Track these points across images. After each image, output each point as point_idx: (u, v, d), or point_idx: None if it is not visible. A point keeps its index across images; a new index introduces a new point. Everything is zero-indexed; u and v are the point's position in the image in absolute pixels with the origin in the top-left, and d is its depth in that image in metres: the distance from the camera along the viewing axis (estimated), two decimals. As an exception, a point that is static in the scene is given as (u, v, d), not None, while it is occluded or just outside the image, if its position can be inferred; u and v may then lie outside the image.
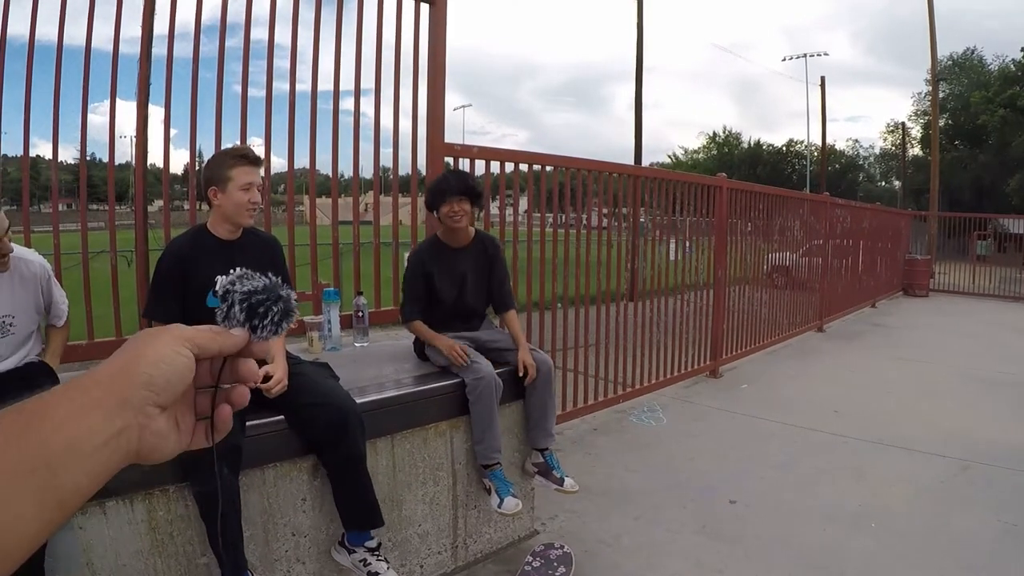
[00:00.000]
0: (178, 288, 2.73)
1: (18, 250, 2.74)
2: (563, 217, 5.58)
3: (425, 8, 4.47)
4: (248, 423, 2.56)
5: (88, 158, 3.60)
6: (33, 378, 2.72)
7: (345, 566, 2.82)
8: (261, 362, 2.62)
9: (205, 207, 3.35)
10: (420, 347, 3.61)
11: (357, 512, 2.73)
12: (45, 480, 0.50)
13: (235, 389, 0.68)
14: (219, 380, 0.66)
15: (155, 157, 3.70)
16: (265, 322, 0.67)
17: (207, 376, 0.65)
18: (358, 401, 2.84)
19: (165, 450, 0.60)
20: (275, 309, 0.68)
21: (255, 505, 2.64)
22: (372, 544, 2.76)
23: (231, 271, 0.70)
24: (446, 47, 4.53)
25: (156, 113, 3.62)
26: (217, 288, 0.69)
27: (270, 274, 0.71)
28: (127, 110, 3.81)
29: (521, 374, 3.44)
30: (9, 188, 4.10)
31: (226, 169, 2.77)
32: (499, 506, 3.27)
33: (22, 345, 2.76)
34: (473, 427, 3.31)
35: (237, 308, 0.67)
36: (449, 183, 3.46)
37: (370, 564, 2.73)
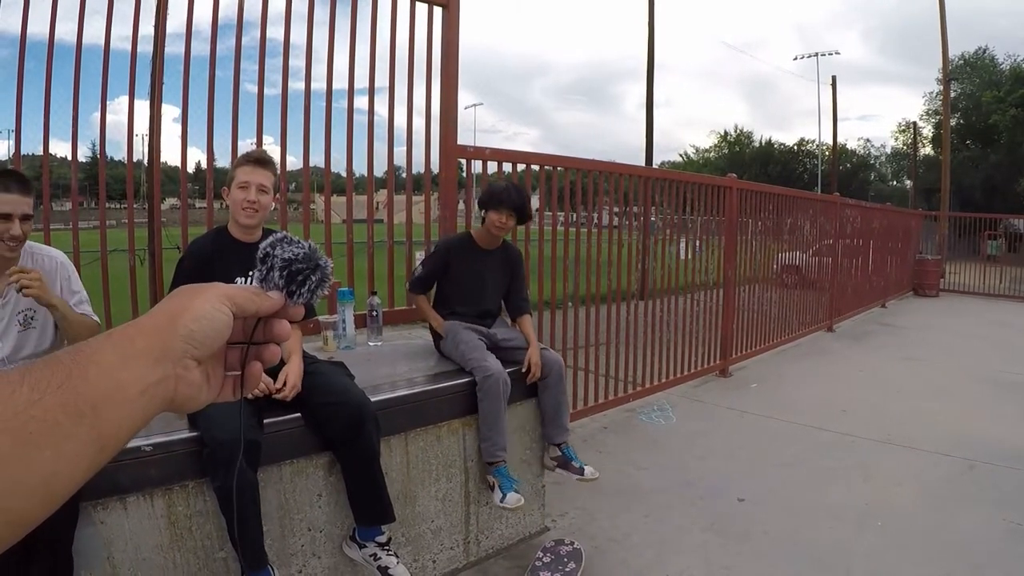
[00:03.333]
0: None
1: (37, 245, 2.75)
2: (574, 217, 5.61)
3: (438, 11, 4.49)
4: (265, 420, 2.60)
5: (100, 157, 3.64)
6: None
7: (356, 560, 2.86)
8: (277, 367, 2.66)
9: (219, 207, 3.41)
10: (437, 340, 3.68)
11: (370, 508, 2.77)
12: (91, 422, 0.52)
13: (267, 348, 0.70)
14: (252, 337, 0.69)
15: (171, 156, 3.74)
16: (303, 289, 0.69)
17: (240, 333, 0.67)
18: (372, 399, 2.88)
19: (198, 400, 0.63)
20: (313, 278, 0.70)
21: (272, 500, 2.68)
22: (382, 539, 2.79)
23: (273, 234, 0.72)
24: (459, 50, 4.56)
25: (172, 112, 3.67)
26: (259, 251, 0.71)
27: (311, 242, 0.72)
28: (143, 109, 3.86)
29: (524, 370, 3.49)
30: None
31: (233, 169, 2.88)
32: (501, 500, 3.31)
33: (44, 343, 2.73)
34: (480, 424, 3.35)
35: (276, 273, 0.69)
36: (510, 197, 3.58)
37: (380, 559, 2.76)
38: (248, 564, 2.45)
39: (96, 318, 2.83)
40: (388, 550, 2.79)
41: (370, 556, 2.78)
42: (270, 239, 0.71)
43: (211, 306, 0.62)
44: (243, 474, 2.40)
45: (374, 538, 2.79)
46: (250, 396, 0.70)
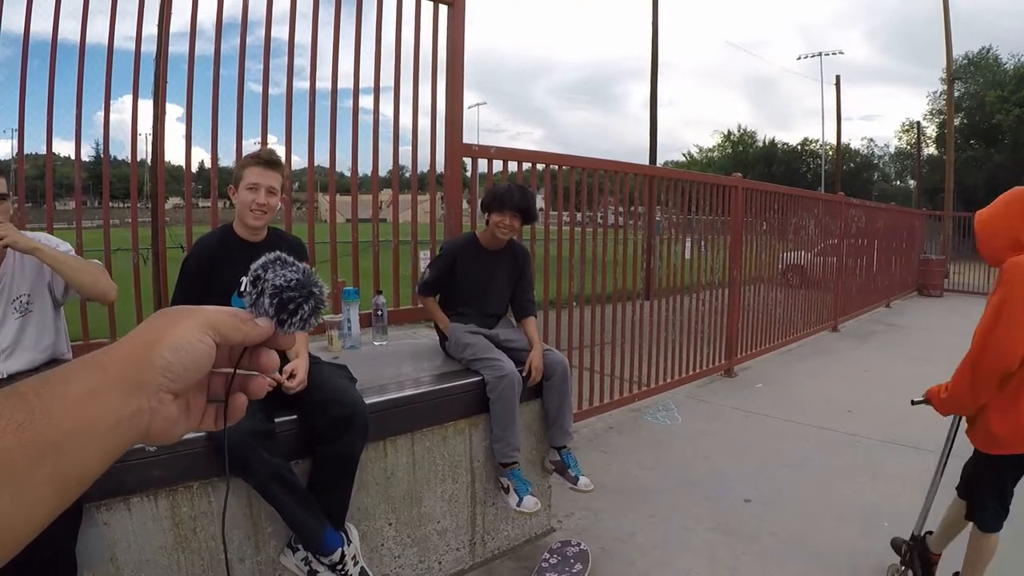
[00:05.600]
0: (204, 288, 2.75)
1: (32, 235, 2.69)
2: (579, 216, 5.59)
3: (444, 9, 4.48)
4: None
5: (103, 156, 3.63)
6: None
7: (289, 569, 2.68)
8: (284, 357, 2.63)
9: (223, 206, 3.38)
10: (443, 341, 3.66)
11: (330, 508, 2.66)
12: (53, 463, 0.48)
13: (253, 379, 0.66)
14: (237, 364, 0.64)
15: (175, 156, 3.73)
16: (294, 319, 0.64)
17: (225, 359, 0.63)
18: (378, 399, 2.86)
19: (173, 434, 0.59)
20: (305, 308, 0.65)
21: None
22: (335, 558, 2.59)
23: (266, 255, 0.67)
24: (464, 48, 4.54)
25: (176, 111, 3.65)
26: (248, 272, 0.66)
27: (305, 266, 0.67)
28: (146, 108, 3.85)
29: (525, 374, 3.46)
30: (26, 186, 4.13)
31: (241, 168, 2.83)
32: (518, 505, 3.28)
33: (46, 334, 2.68)
34: (492, 425, 3.33)
35: (267, 300, 0.64)
36: (512, 198, 3.49)
37: (310, 562, 2.61)
38: (304, 541, 2.56)
39: (97, 261, 2.76)
40: (324, 562, 2.61)
41: (301, 561, 2.63)
42: (262, 260, 0.66)
43: (192, 335, 0.57)
44: (266, 465, 2.41)
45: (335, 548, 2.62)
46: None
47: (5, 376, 2.47)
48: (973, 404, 2.85)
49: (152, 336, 0.57)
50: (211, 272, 2.76)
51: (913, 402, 3.31)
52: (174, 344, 0.56)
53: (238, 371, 0.64)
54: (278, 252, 0.68)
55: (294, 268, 0.66)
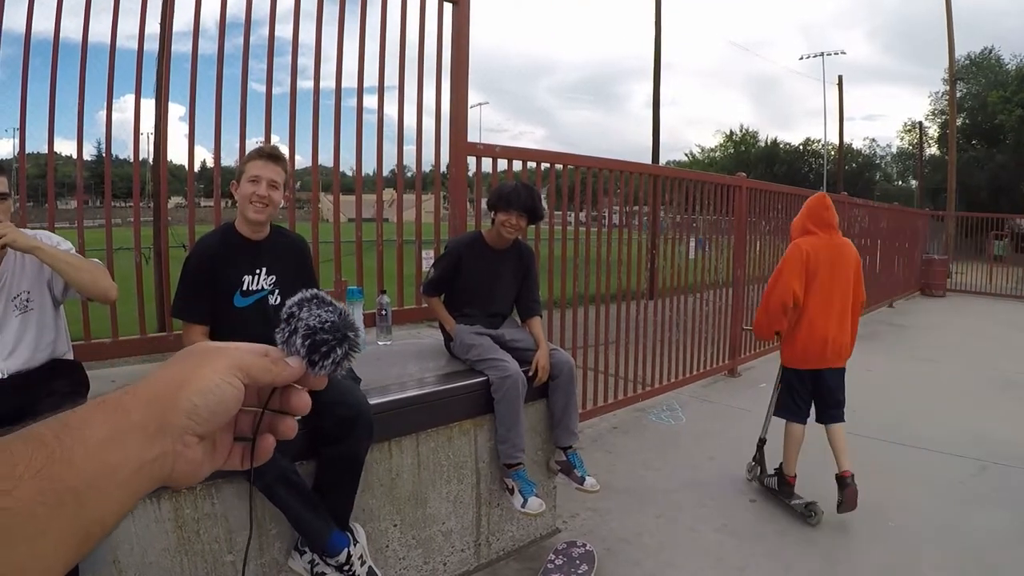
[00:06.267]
0: (207, 287, 2.74)
1: (31, 232, 2.67)
2: (583, 215, 5.57)
3: (448, 8, 4.46)
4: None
5: (104, 155, 3.62)
6: (62, 379, 2.56)
7: (298, 572, 2.68)
8: None
9: (226, 205, 3.36)
10: (448, 341, 3.64)
11: (335, 509, 2.65)
12: (73, 512, 0.46)
13: (283, 420, 0.64)
14: (267, 403, 0.63)
15: (178, 155, 3.72)
16: (326, 362, 0.63)
17: (253, 396, 0.61)
18: (383, 400, 2.84)
19: (198, 475, 0.57)
20: (338, 351, 0.63)
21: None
22: (341, 559, 2.60)
23: (303, 291, 0.66)
24: (469, 46, 4.52)
25: (178, 111, 3.64)
26: (283, 310, 0.64)
27: (343, 307, 0.65)
28: (149, 107, 3.83)
29: (531, 374, 3.43)
30: (28, 185, 4.12)
31: (244, 163, 2.83)
32: (523, 506, 3.26)
33: (46, 332, 2.65)
34: (497, 426, 3.30)
35: (299, 340, 0.62)
36: (519, 197, 3.47)
37: (317, 564, 2.61)
38: (310, 543, 2.55)
39: (97, 260, 2.72)
40: (331, 563, 2.61)
41: (309, 564, 2.63)
42: (298, 297, 0.65)
43: (220, 378, 0.56)
44: (273, 467, 2.42)
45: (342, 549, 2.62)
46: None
47: (5, 375, 2.44)
48: (769, 330, 4.26)
49: (179, 377, 0.55)
50: (213, 271, 2.74)
51: (742, 328, 5.53)
52: (202, 387, 0.55)
53: (266, 409, 0.63)
54: (315, 290, 0.66)
55: (330, 309, 0.64)
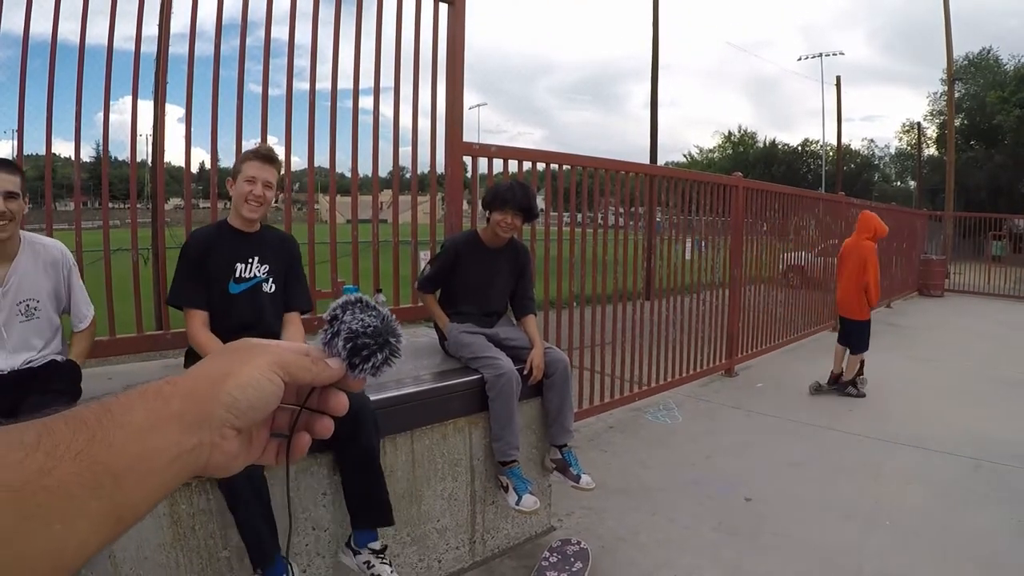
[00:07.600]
0: (202, 274, 2.84)
1: (36, 236, 2.72)
2: (580, 216, 5.59)
3: (444, 8, 4.47)
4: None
5: (102, 157, 3.64)
6: (57, 379, 2.61)
7: (351, 568, 2.78)
8: None
9: (223, 207, 3.38)
10: (442, 339, 3.65)
11: (367, 510, 2.73)
12: (110, 494, 0.47)
13: (320, 420, 0.65)
14: (305, 402, 0.64)
15: (175, 156, 3.73)
16: (366, 365, 0.63)
17: (292, 395, 0.62)
18: (377, 397, 2.86)
19: (232, 468, 0.58)
20: (379, 356, 0.64)
21: (277, 498, 2.65)
22: (377, 546, 2.72)
23: (347, 295, 0.67)
24: (464, 47, 4.54)
25: (176, 112, 3.65)
26: (328, 311, 0.65)
27: (387, 312, 0.66)
28: (146, 109, 3.84)
29: (526, 372, 3.45)
30: (27, 187, 4.13)
31: (240, 163, 2.94)
32: (517, 504, 3.28)
33: (48, 337, 2.68)
34: (492, 424, 3.32)
35: (341, 342, 0.63)
36: (514, 195, 3.49)
37: (373, 566, 2.68)
38: (256, 558, 2.46)
39: (92, 312, 2.89)
40: (383, 558, 2.71)
41: (364, 563, 2.70)
42: (342, 300, 0.65)
43: (260, 374, 0.57)
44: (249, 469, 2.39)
45: (367, 544, 2.72)
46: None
47: (6, 372, 2.48)
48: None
49: (221, 371, 0.56)
50: (208, 258, 2.86)
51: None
52: (242, 381, 0.56)
53: (304, 407, 0.64)
54: (360, 294, 0.67)
55: (374, 313, 0.65)
